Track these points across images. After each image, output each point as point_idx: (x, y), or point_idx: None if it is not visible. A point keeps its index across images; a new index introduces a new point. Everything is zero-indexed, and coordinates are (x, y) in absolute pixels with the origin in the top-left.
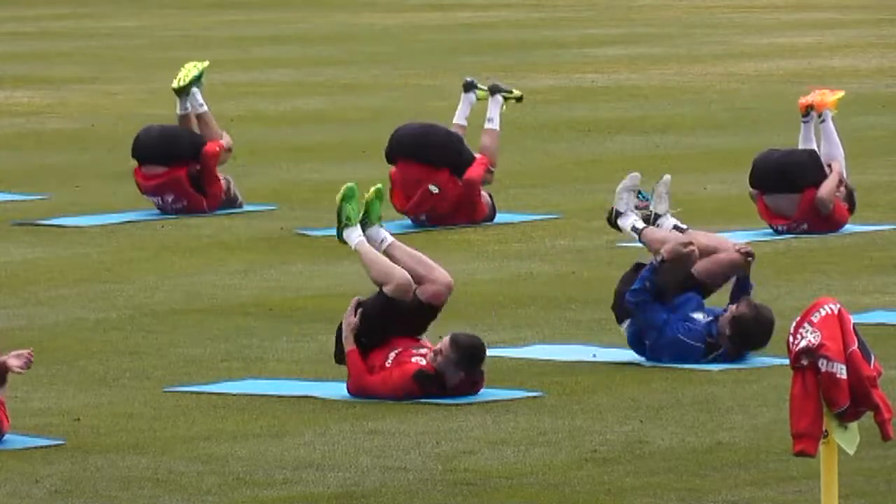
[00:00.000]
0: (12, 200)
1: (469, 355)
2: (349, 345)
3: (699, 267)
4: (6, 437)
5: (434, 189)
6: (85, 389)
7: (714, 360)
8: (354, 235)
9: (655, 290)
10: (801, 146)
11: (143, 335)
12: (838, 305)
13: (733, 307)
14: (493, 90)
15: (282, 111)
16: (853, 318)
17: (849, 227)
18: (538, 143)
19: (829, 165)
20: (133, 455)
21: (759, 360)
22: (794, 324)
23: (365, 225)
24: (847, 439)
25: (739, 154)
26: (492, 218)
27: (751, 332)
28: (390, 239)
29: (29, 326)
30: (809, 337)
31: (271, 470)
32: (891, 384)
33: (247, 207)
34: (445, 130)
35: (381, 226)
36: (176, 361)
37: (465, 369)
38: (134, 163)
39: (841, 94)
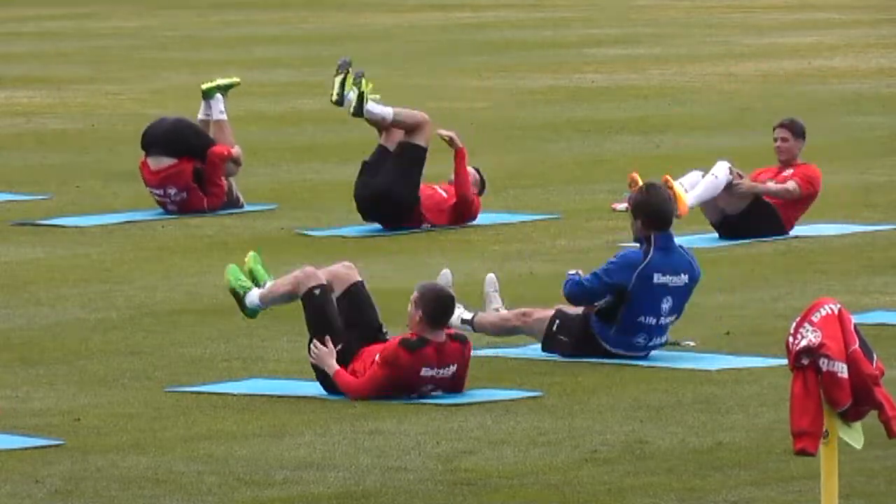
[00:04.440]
0: (12, 200)
1: (433, 302)
2: (332, 369)
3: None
4: (6, 437)
5: None
6: (85, 389)
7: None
8: (254, 295)
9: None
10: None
11: (143, 335)
12: (838, 305)
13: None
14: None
15: (282, 111)
16: (853, 318)
17: (849, 227)
18: (538, 143)
19: None
20: (133, 455)
21: (759, 360)
22: (794, 324)
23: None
24: (853, 436)
25: (740, 154)
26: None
27: (650, 202)
28: None
29: (29, 326)
30: (810, 336)
31: (271, 470)
32: (893, 384)
33: (247, 207)
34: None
35: None
36: (176, 361)
37: (432, 320)
38: (141, 154)
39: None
